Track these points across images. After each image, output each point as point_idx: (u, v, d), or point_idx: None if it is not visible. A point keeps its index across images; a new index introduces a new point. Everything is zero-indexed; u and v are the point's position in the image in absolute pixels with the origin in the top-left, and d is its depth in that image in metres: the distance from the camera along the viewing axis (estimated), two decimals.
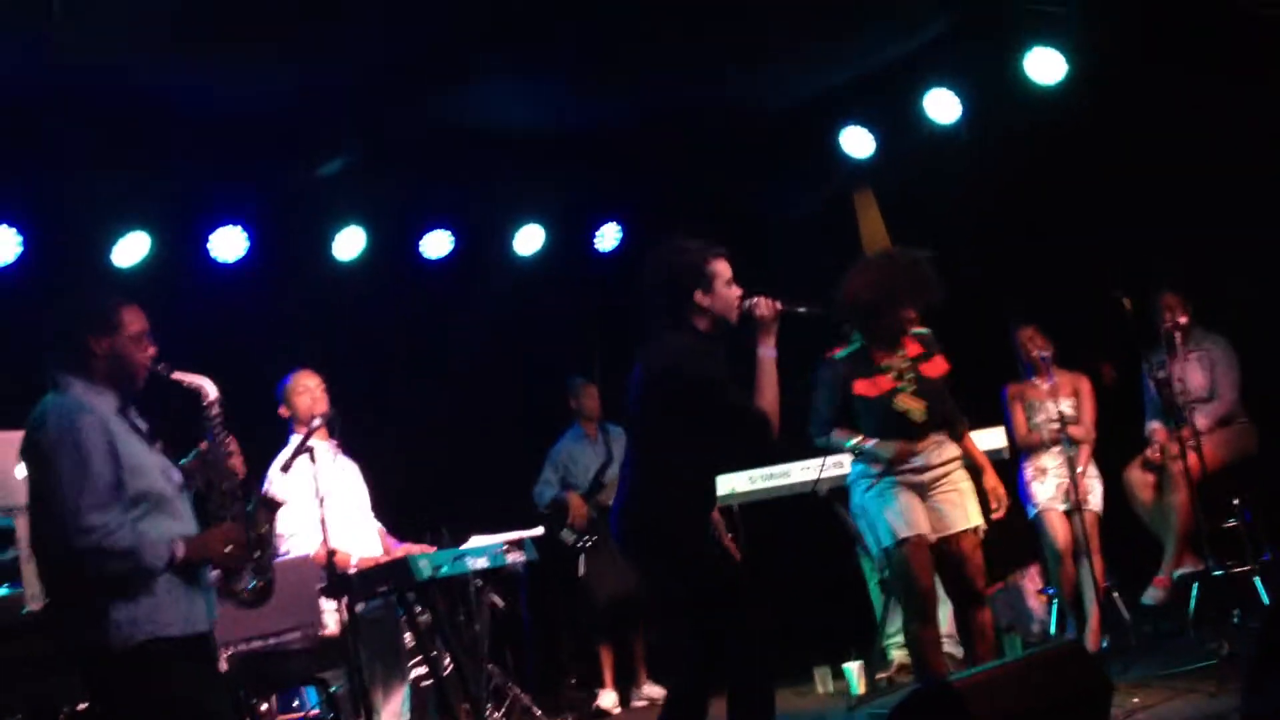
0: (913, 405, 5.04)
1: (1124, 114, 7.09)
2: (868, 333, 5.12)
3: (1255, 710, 2.71)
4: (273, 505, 4.09)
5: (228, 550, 3.80)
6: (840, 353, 5.20)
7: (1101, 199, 7.32)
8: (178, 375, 3.97)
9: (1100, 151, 7.28)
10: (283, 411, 5.90)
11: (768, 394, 4.15)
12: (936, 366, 5.14)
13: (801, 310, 4.31)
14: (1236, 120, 6.73)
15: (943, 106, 7.57)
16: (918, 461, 5.03)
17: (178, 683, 3.65)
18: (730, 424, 4.18)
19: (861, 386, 5.08)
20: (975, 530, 5.08)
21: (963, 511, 5.06)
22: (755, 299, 4.26)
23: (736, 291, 4.28)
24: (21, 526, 4.78)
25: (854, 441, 5.05)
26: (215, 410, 3.99)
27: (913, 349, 5.12)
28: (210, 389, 4.00)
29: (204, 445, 3.99)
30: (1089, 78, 7.07)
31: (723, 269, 4.29)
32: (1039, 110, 7.26)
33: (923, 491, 5.03)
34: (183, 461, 3.99)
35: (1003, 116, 7.49)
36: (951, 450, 5.14)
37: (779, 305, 4.26)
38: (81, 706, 4.81)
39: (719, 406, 4.14)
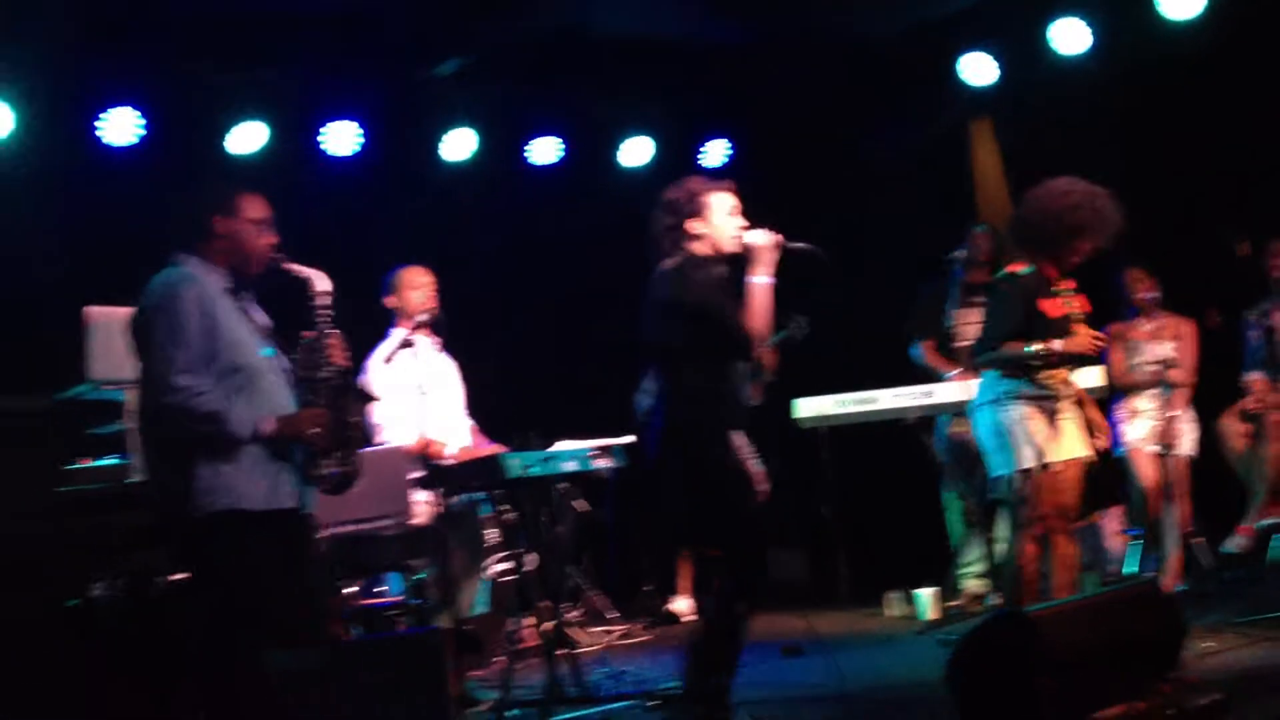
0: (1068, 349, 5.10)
1: (1260, 53, 6.88)
2: (1048, 254, 5.10)
3: None
4: (366, 397, 4.21)
5: (315, 432, 3.91)
6: (1023, 270, 5.16)
7: (1230, 140, 7.12)
8: (289, 265, 4.10)
9: (1232, 91, 7.08)
10: (389, 302, 5.95)
11: (760, 316, 4.32)
12: (1083, 303, 5.21)
13: (800, 247, 4.43)
14: None
15: (1072, 36, 7.41)
16: (1052, 388, 5.06)
17: (251, 555, 3.78)
18: (714, 342, 4.33)
19: (1045, 305, 5.10)
20: (1084, 460, 5.11)
21: (1076, 440, 5.10)
22: (751, 229, 4.41)
23: (738, 222, 4.44)
24: (130, 400, 4.97)
25: (1036, 347, 5.01)
26: (324, 302, 4.10)
27: (1069, 281, 5.17)
28: (320, 281, 4.11)
29: (309, 334, 4.11)
30: (1226, 13, 6.87)
31: (721, 201, 4.46)
32: (1172, 45, 7.08)
33: (1051, 417, 5.07)
34: (294, 355, 4.11)
35: (1134, 50, 7.31)
36: (1075, 382, 5.22)
37: (780, 238, 4.40)
38: (178, 576, 5.03)
39: (705, 326, 4.31)
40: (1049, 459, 4.98)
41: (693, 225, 4.43)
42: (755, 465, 4.42)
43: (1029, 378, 5.06)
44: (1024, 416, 5.01)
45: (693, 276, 4.35)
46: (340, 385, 4.07)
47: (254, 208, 4.04)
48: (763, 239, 4.39)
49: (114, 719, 4.56)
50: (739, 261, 4.45)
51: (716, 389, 4.35)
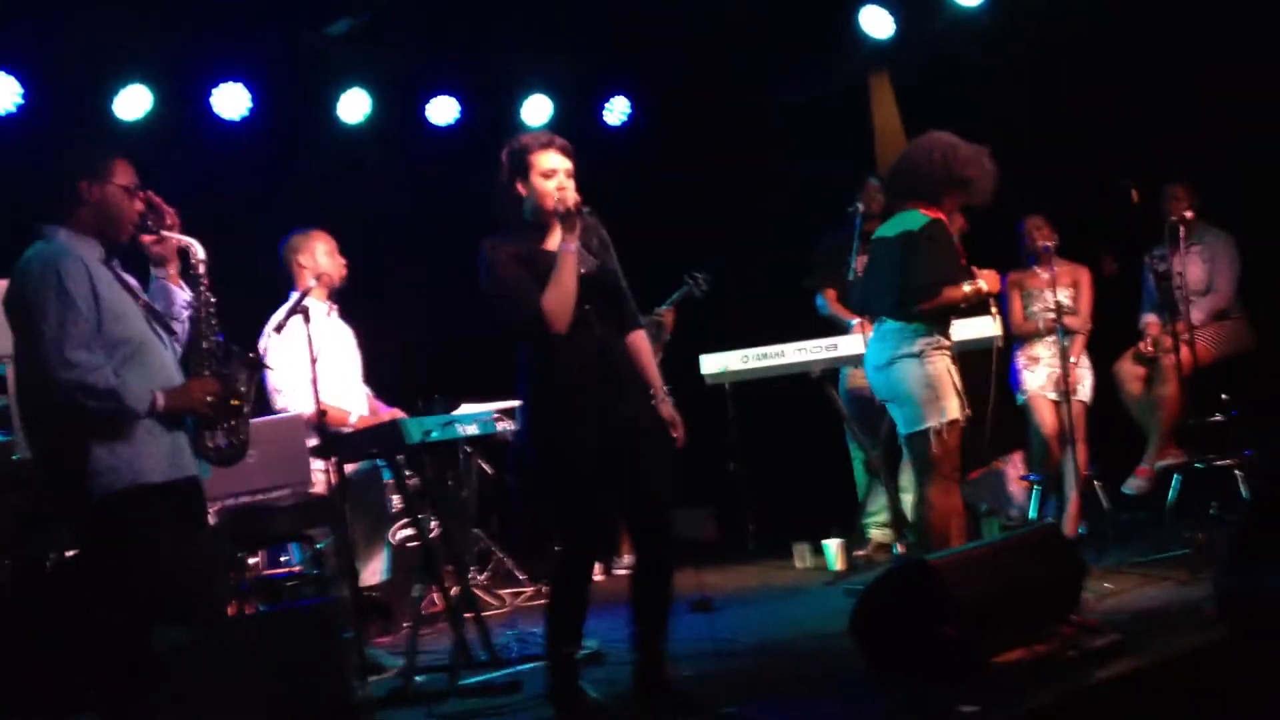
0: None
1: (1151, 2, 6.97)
2: (930, 203, 5.10)
3: (1226, 587, 2.77)
4: (254, 365, 4.13)
5: (208, 402, 3.85)
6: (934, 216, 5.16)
7: (1123, 89, 7.21)
8: (166, 234, 4.00)
9: (1126, 40, 7.16)
10: (297, 264, 5.80)
11: (552, 289, 4.10)
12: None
13: (585, 211, 4.19)
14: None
15: None
16: (949, 342, 5.11)
17: (158, 531, 3.72)
18: (510, 326, 4.23)
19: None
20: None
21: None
22: (561, 195, 4.20)
23: (554, 184, 4.22)
24: (11, 375, 4.82)
25: (968, 289, 5.03)
26: (201, 270, 4.02)
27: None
28: (198, 249, 4.03)
29: (190, 299, 4.03)
30: None
31: (543, 160, 4.24)
32: None
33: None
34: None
35: (1028, 1, 7.36)
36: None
37: (575, 202, 4.18)
38: (69, 553, 4.90)
39: (500, 310, 4.21)
40: (959, 415, 5.02)
41: (520, 188, 4.28)
42: (667, 411, 4.29)
43: (944, 328, 5.09)
44: (947, 367, 5.04)
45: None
46: (225, 354, 3.98)
47: (123, 173, 3.93)
48: (559, 204, 4.18)
49: (9, 699, 4.44)
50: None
51: (546, 364, 4.18)
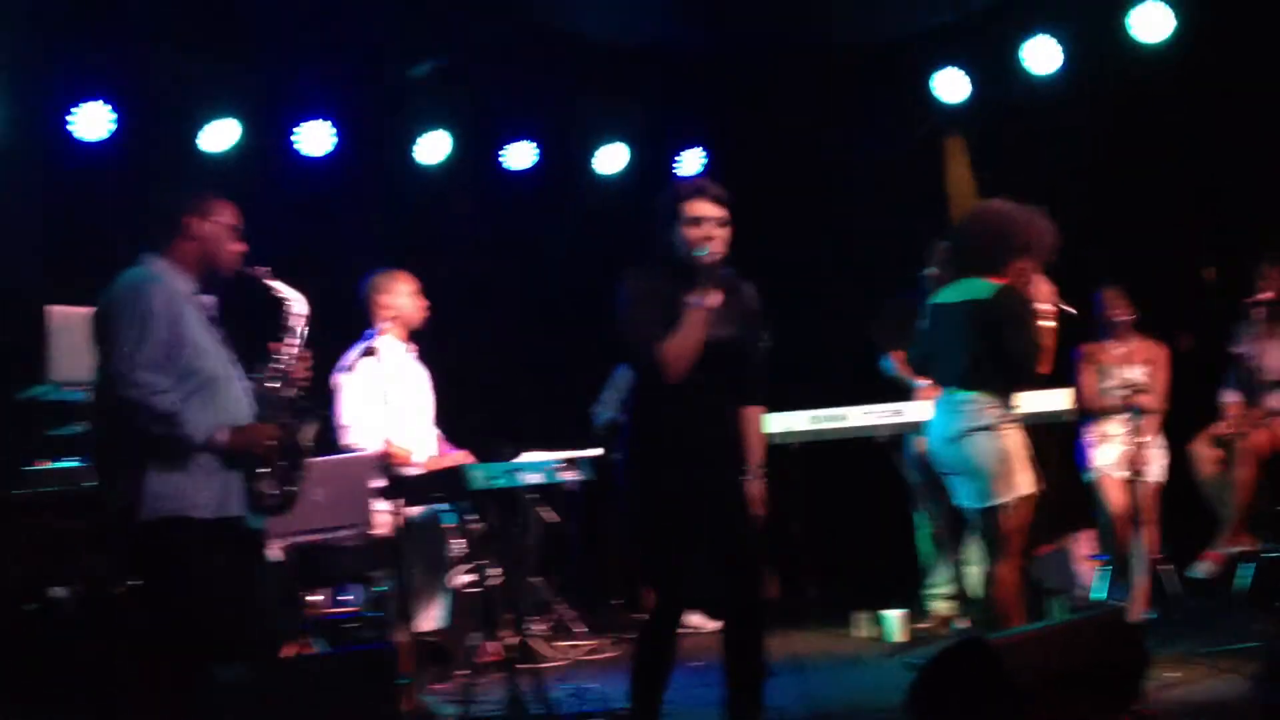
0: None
1: (1228, 77, 6.89)
2: (990, 273, 5.03)
3: (1269, 699, 2.67)
4: (320, 419, 4.19)
5: (268, 446, 3.91)
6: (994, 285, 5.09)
7: (1204, 164, 7.14)
8: (272, 282, 4.09)
9: (1201, 115, 7.09)
10: (378, 303, 5.86)
11: (676, 338, 4.08)
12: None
13: (726, 272, 4.19)
14: None
15: (1043, 56, 7.42)
16: (1018, 413, 5.02)
17: (197, 563, 3.77)
18: (631, 359, 4.24)
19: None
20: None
21: None
22: (704, 247, 4.16)
23: (700, 234, 4.17)
24: (91, 402, 4.90)
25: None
26: (298, 324, 4.10)
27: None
28: (300, 304, 4.11)
29: (274, 348, 4.09)
30: (1197, 37, 6.88)
31: (692, 209, 4.20)
32: (1143, 67, 7.08)
33: None
34: (257, 371, 4.08)
35: (1105, 71, 7.33)
36: None
37: (712, 258, 4.15)
38: (129, 584, 4.96)
39: (625, 340, 4.19)
40: (1034, 489, 4.94)
41: (670, 234, 4.23)
42: (754, 487, 4.29)
43: (1013, 401, 5.00)
44: (1019, 441, 4.94)
45: (627, 287, 4.20)
46: (298, 405, 4.04)
47: (226, 213, 4.05)
48: (706, 259, 4.15)
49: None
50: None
51: (658, 408, 4.18)
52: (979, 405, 4.94)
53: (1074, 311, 5.10)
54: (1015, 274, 5.03)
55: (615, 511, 4.38)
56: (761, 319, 4.36)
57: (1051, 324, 4.96)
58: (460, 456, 5.84)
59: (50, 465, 5.09)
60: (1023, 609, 5.03)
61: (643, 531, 4.21)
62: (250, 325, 4.14)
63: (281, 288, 4.11)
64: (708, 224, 4.20)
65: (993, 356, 4.93)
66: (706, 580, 4.33)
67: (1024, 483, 4.90)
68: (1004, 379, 4.94)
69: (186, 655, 3.72)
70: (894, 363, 6.98)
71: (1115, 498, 6.47)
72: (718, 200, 4.24)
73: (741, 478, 4.27)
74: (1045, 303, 4.97)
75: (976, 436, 4.93)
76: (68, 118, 6.67)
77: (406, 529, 4.94)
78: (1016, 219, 5.06)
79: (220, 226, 4.02)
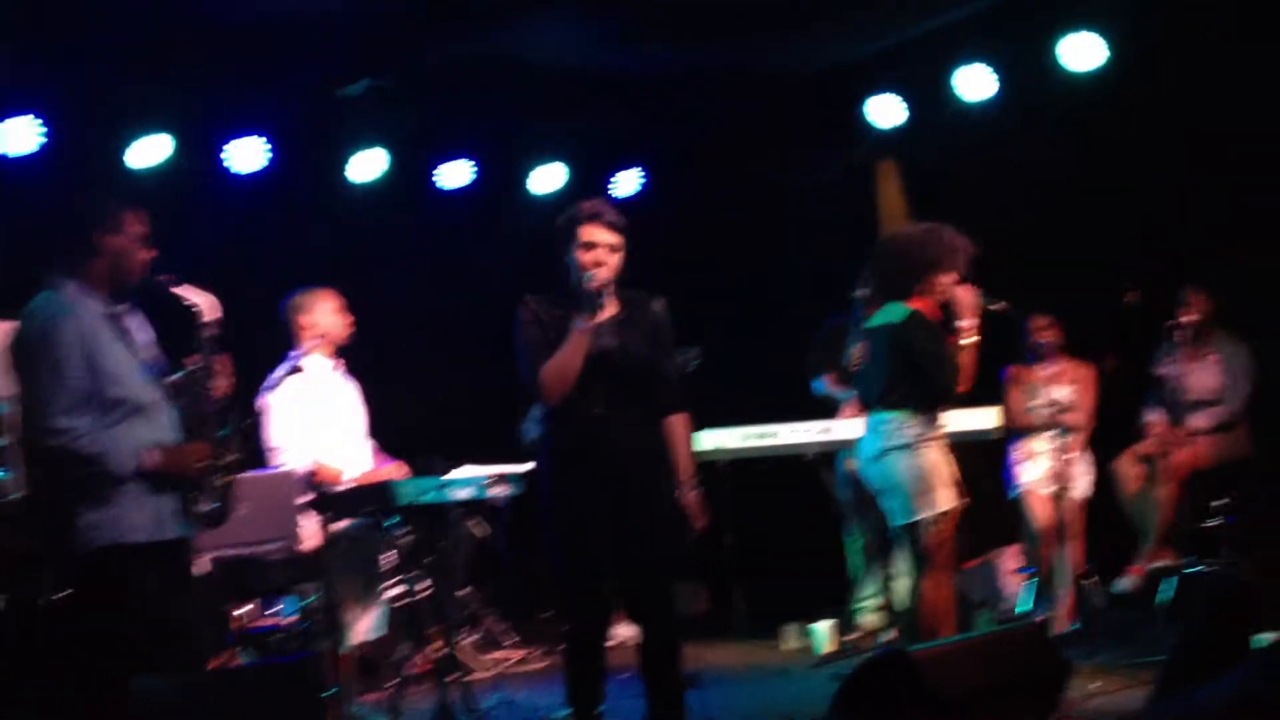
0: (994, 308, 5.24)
1: (1158, 106, 7.03)
2: (913, 292, 5.15)
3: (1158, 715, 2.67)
4: (248, 432, 4.17)
5: (199, 466, 3.88)
6: (908, 310, 5.20)
7: (1131, 189, 7.28)
8: (179, 290, 4.02)
9: (1134, 141, 7.24)
10: (299, 322, 5.82)
11: (552, 361, 4.21)
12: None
13: (615, 298, 4.33)
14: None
15: (976, 83, 7.53)
16: (943, 430, 5.13)
17: (138, 588, 3.75)
18: (523, 382, 4.33)
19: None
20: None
21: None
22: (591, 273, 4.26)
23: (591, 259, 4.27)
24: (11, 414, 4.85)
25: (965, 340, 5.07)
26: (211, 329, 4.03)
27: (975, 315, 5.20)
28: (209, 308, 4.03)
29: (188, 362, 4.04)
30: (1128, 65, 7.02)
31: (585, 233, 4.30)
32: (1074, 94, 7.21)
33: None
34: (172, 376, 4.04)
35: (1037, 98, 7.45)
36: None
37: (600, 283, 4.25)
38: (60, 596, 4.90)
39: (516, 355, 4.31)
40: (955, 503, 5.04)
41: (567, 258, 4.34)
42: (689, 498, 4.37)
43: (934, 418, 5.09)
44: (939, 459, 5.06)
45: (519, 313, 4.33)
46: (221, 418, 4.01)
47: (136, 224, 3.98)
48: (589, 284, 4.24)
49: None
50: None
51: (548, 430, 4.31)
52: (897, 425, 5.07)
53: (1002, 307, 5.19)
54: (934, 291, 5.13)
55: (538, 521, 4.40)
56: (670, 332, 4.44)
57: (972, 340, 5.05)
58: (394, 469, 5.83)
59: None
60: (951, 622, 5.12)
61: (555, 548, 4.28)
62: (159, 334, 4.10)
63: (189, 293, 4.02)
64: (599, 249, 4.28)
65: (908, 377, 5.08)
66: (624, 592, 4.38)
67: (944, 499, 5.00)
68: (921, 398, 5.07)
69: (115, 668, 3.68)
70: (824, 382, 7.06)
71: (1041, 513, 6.57)
72: (612, 226, 4.32)
73: (659, 488, 4.32)
74: (966, 317, 5.06)
75: (895, 454, 5.06)
76: None
77: (335, 543, 4.91)
78: (918, 240, 5.22)
79: (130, 239, 3.94)
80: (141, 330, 4.04)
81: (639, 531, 4.24)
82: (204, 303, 4.03)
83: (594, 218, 4.30)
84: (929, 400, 5.07)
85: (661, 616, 4.32)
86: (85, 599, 3.82)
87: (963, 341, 5.06)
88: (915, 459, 5.02)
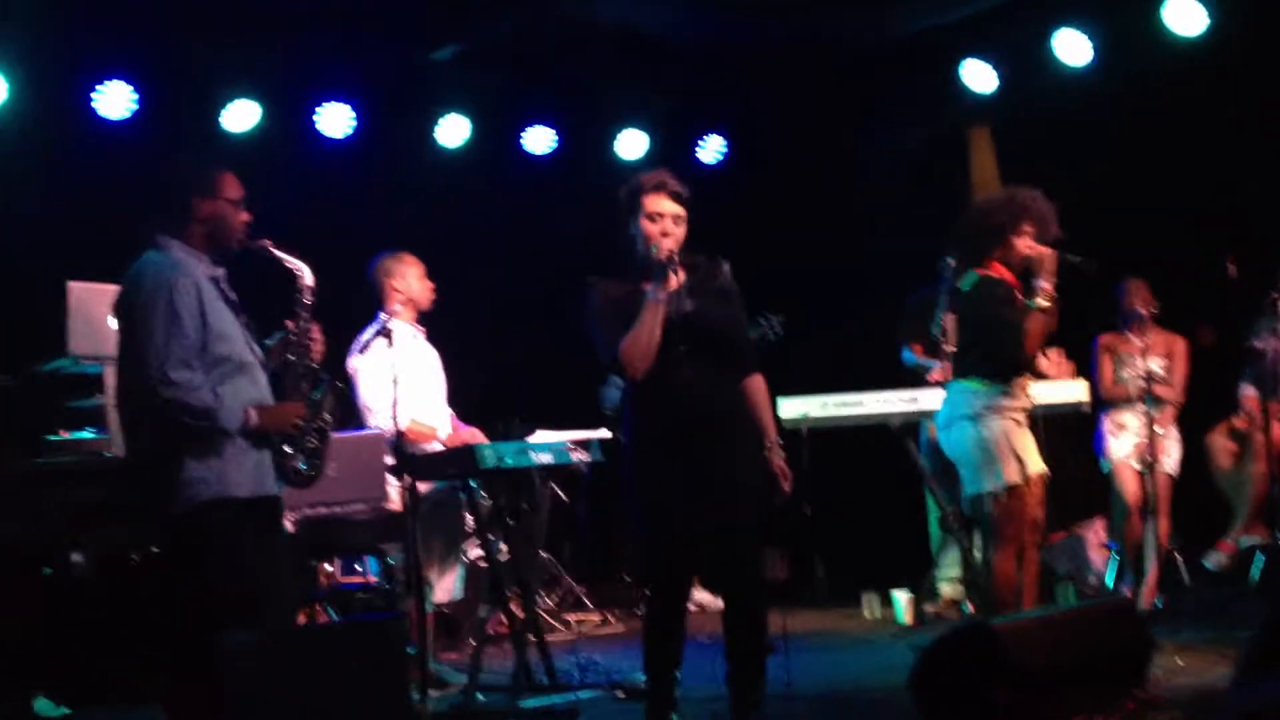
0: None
1: (1261, 73, 6.86)
2: (990, 259, 5.09)
3: (1246, 705, 2.57)
4: (340, 393, 4.23)
5: (296, 424, 3.96)
6: (980, 277, 5.16)
7: (1230, 158, 7.11)
8: (279, 254, 4.10)
9: (1234, 109, 7.07)
10: (388, 285, 5.85)
11: (630, 334, 4.13)
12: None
13: (666, 261, 4.18)
14: None
15: (1073, 48, 7.39)
16: (1025, 399, 5.03)
17: (239, 542, 3.83)
18: (603, 363, 4.28)
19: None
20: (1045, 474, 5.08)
21: (1037, 455, 5.04)
22: (659, 243, 4.21)
23: (657, 230, 4.22)
24: (109, 375, 4.97)
25: (1039, 301, 4.92)
26: (307, 295, 4.11)
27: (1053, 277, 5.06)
28: (307, 274, 4.12)
29: (290, 324, 4.12)
30: (1229, 32, 6.85)
31: (651, 203, 4.24)
32: (1175, 60, 7.05)
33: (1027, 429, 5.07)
34: (268, 340, 4.12)
35: (1135, 64, 7.30)
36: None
37: (668, 253, 4.18)
38: (153, 551, 5.03)
39: (591, 337, 4.25)
40: (1032, 471, 4.95)
41: (631, 226, 4.28)
42: (776, 462, 4.31)
43: (1006, 388, 5.00)
44: (1009, 430, 4.94)
45: (590, 296, 4.28)
46: (315, 380, 4.08)
47: (231, 187, 4.04)
48: (658, 253, 4.19)
49: (84, 686, 4.56)
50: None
51: (636, 403, 4.25)
52: (967, 394, 5.01)
53: (1086, 263, 5.03)
54: (1011, 255, 5.05)
55: (621, 493, 4.39)
56: (739, 294, 4.38)
57: (1043, 303, 4.94)
58: (470, 434, 5.88)
59: (69, 436, 5.17)
60: (1029, 596, 5.06)
61: (640, 516, 4.24)
62: (256, 297, 4.16)
63: (288, 259, 4.11)
64: (665, 220, 4.24)
65: (977, 345, 5.03)
66: (709, 559, 4.37)
67: (1010, 472, 4.90)
68: (990, 367, 4.98)
69: (209, 622, 3.74)
70: (914, 353, 6.99)
71: (1130, 487, 6.47)
72: (676, 197, 4.27)
73: (745, 452, 4.27)
74: (1043, 278, 4.95)
75: (962, 424, 5.00)
76: (91, 96, 6.75)
77: (419, 505, 4.97)
78: (994, 204, 5.18)
79: (226, 202, 4.01)
80: (234, 295, 4.11)
81: (727, 496, 4.20)
82: (301, 269, 4.11)
83: (658, 188, 4.26)
84: (999, 369, 4.97)
85: (747, 582, 4.30)
86: (186, 552, 3.88)
87: (1034, 302, 4.94)
88: (981, 430, 4.94)
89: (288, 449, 3.98)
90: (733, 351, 4.31)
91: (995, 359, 4.99)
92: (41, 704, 4.58)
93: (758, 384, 4.38)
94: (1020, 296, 5.00)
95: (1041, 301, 4.93)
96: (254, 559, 3.86)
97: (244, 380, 3.91)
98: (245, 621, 3.74)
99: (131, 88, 6.80)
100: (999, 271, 5.07)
